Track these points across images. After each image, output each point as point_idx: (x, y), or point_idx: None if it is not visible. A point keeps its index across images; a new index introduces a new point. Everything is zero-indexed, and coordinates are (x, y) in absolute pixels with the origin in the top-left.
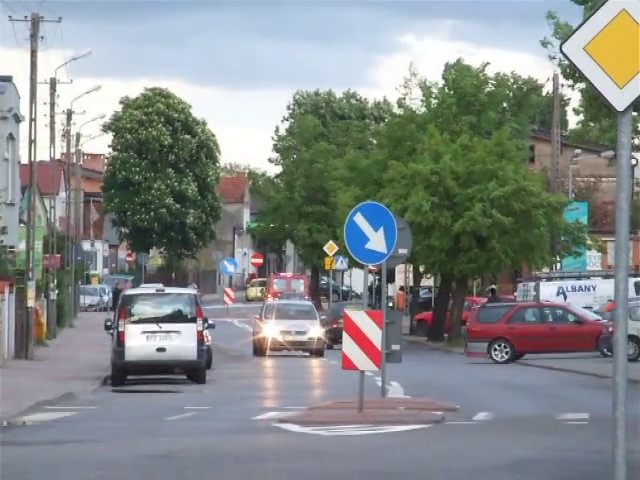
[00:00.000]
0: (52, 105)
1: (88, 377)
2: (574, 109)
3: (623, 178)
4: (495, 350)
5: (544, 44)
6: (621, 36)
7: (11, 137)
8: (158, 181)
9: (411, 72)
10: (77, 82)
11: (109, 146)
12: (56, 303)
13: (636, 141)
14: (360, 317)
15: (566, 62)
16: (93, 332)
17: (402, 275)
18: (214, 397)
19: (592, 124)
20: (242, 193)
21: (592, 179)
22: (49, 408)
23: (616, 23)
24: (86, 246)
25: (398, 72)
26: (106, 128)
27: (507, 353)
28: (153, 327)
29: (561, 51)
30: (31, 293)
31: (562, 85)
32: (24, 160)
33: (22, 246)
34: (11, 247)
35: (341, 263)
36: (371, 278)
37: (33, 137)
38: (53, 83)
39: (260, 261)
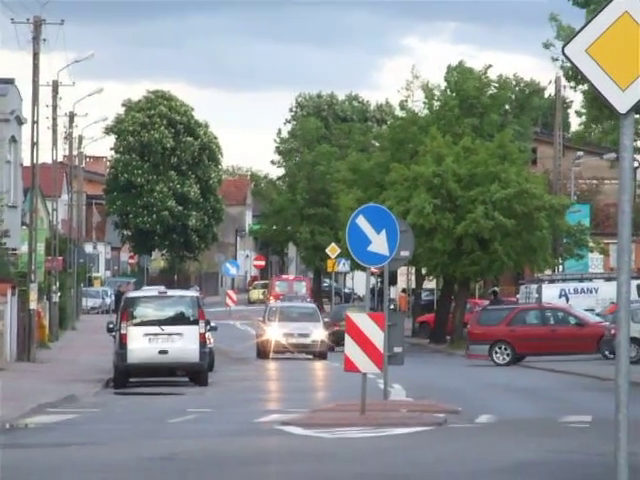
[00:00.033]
0: (54, 107)
1: (90, 379)
2: (576, 111)
3: (625, 180)
4: (496, 352)
5: (546, 46)
6: (623, 38)
7: (13, 139)
8: (160, 183)
9: (413, 74)
10: (79, 85)
11: (111, 148)
12: (58, 305)
13: (639, 143)
14: (362, 319)
15: (568, 64)
16: (95, 334)
17: (404, 277)
18: (216, 399)
19: (594, 126)
20: (244, 195)
21: (594, 181)
22: (51, 410)
23: (618, 25)
24: (88, 248)
25: (400, 74)
26: (108, 130)
27: (508, 355)
28: (155, 329)
29: (563, 53)
30: (33, 295)
31: (564, 87)
32: (26, 162)
33: (24, 248)
34: (13, 249)
35: (343, 265)
36: (373, 280)
37: (35, 139)
38: (55, 85)
39: (262, 263)
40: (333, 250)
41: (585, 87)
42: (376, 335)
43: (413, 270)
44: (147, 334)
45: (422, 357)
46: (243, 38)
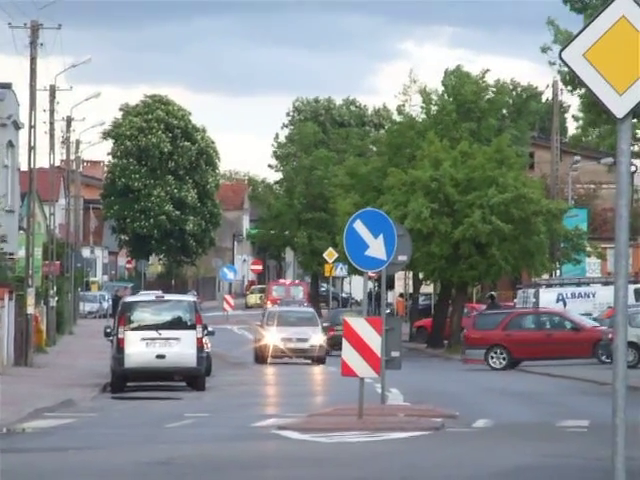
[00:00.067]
0: (52, 112)
1: (88, 384)
2: (574, 116)
3: (623, 185)
4: (492, 357)
5: (544, 50)
6: (621, 43)
7: (11, 144)
8: (158, 188)
9: (411, 79)
10: (77, 89)
11: (109, 153)
12: (56, 310)
13: (636, 148)
14: (360, 324)
15: (565, 69)
16: (93, 339)
17: (402, 282)
18: (214, 404)
19: (591, 129)
20: (242, 200)
21: (592, 186)
22: (49, 415)
23: (616, 30)
24: (86, 253)
25: (398, 79)
26: (106, 135)
27: (504, 359)
28: (153, 334)
29: (560, 58)
30: (31, 300)
31: (561, 90)
32: (24, 167)
33: (22, 253)
34: (11, 254)
35: (341, 270)
36: (371, 285)
37: (33, 144)
38: (53, 90)
39: (260, 268)
40: (330, 255)
41: (582, 91)
42: (374, 340)
43: (410, 274)
44: (144, 339)
45: (419, 362)
46: (240, 43)
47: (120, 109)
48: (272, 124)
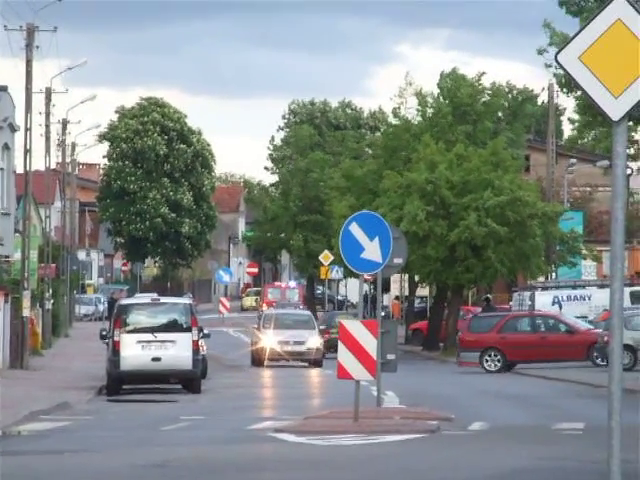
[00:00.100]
0: (47, 114)
1: (83, 387)
2: (569, 119)
3: (618, 187)
4: (487, 360)
5: (540, 52)
6: (616, 46)
7: (6, 147)
8: (153, 190)
9: (406, 81)
10: (72, 91)
11: (104, 156)
12: (51, 313)
13: (631, 150)
14: (355, 327)
15: (561, 71)
16: (88, 342)
17: (397, 284)
18: (209, 407)
19: (587, 132)
20: (237, 202)
21: (587, 189)
22: (44, 418)
23: (611, 33)
24: (81, 256)
25: (393, 82)
26: (101, 138)
27: (499, 362)
28: (148, 337)
29: (556, 61)
30: (26, 303)
31: (557, 93)
32: (19, 170)
33: (17, 256)
34: (6, 257)
35: (336, 272)
36: (366, 287)
37: (28, 147)
38: (48, 92)
39: (255, 270)
40: (326, 257)
41: (578, 94)
42: (369, 342)
43: (406, 277)
44: (140, 341)
45: (415, 364)
46: (236, 45)
47: (116, 111)
48: (268, 126)
